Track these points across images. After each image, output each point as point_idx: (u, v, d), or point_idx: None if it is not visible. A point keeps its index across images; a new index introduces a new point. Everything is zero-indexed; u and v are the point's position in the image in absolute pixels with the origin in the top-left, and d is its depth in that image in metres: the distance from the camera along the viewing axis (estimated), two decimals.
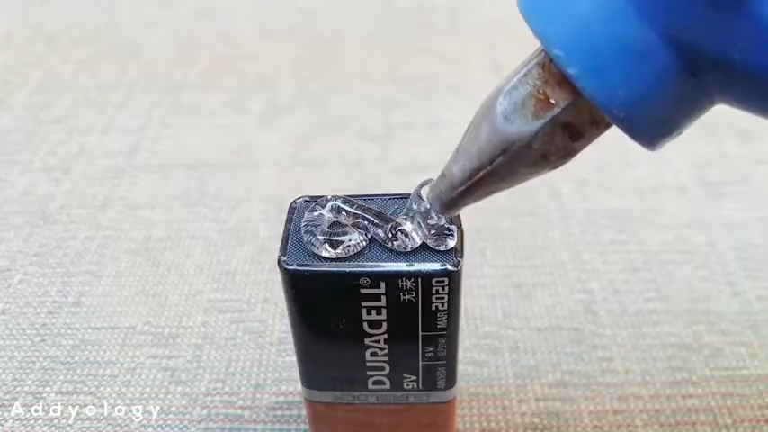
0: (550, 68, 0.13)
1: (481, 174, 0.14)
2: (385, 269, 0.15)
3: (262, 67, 0.41)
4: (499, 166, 0.14)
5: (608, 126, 0.13)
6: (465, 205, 0.15)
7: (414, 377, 0.17)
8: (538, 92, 0.13)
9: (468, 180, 0.14)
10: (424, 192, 0.16)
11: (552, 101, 0.13)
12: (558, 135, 0.13)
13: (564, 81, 0.13)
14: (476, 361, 0.24)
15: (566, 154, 0.14)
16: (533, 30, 0.13)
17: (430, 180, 0.16)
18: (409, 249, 0.15)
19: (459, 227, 0.16)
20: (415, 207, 0.16)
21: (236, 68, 0.41)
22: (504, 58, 0.41)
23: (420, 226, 0.15)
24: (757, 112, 0.12)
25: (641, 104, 0.12)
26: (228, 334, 0.25)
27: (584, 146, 0.14)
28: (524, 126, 0.13)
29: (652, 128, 0.12)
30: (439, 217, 0.15)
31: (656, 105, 0.12)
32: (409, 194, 0.16)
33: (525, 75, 0.14)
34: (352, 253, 0.15)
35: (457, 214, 0.16)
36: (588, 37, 0.12)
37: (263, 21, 0.47)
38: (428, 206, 0.15)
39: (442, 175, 0.15)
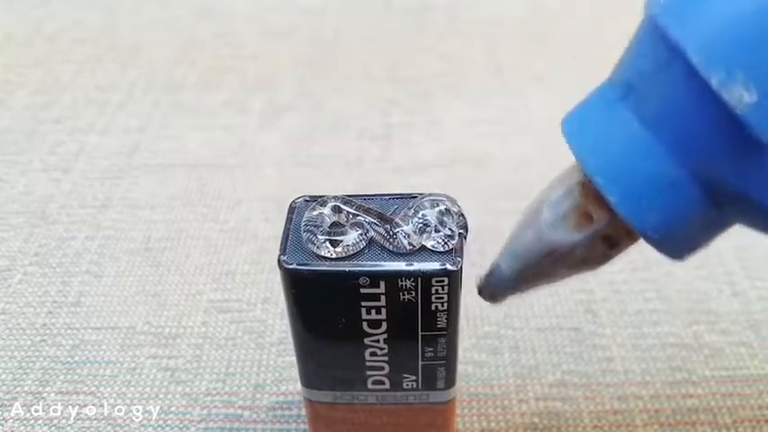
0: (590, 187, 0.14)
1: (527, 273, 0.16)
2: (384, 269, 0.15)
3: (262, 67, 0.41)
4: (543, 267, 0.16)
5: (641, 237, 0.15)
6: (512, 295, 0.17)
7: (413, 377, 0.17)
8: (579, 207, 0.15)
9: (515, 277, 0.16)
10: (476, 277, 0.17)
11: (593, 216, 0.15)
12: (598, 244, 0.15)
13: (603, 200, 0.14)
14: (476, 361, 0.24)
15: (604, 259, 0.16)
16: (576, 157, 0.14)
17: (436, 195, 0.16)
18: (408, 250, 0.15)
19: (461, 229, 0.16)
20: (422, 212, 0.16)
21: (236, 68, 0.41)
22: (504, 58, 0.41)
23: (419, 228, 0.16)
24: None
25: (670, 229, 0.14)
26: (228, 334, 0.25)
27: (621, 252, 0.15)
28: (567, 236, 0.15)
29: (680, 246, 0.14)
30: (445, 224, 0.16)
31: (684, 230, 0.14)
32: (409, 194, 0.17)
33: (567, 191, 0.15)
34: (351, 252, 0.15)
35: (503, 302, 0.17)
36: (624, 170, 0.13)
37: (263, 21, 0.47)
38: (441, 212, 0.16)
39: (491, 270, 0.16)
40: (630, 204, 0.13)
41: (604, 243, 0.15)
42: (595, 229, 0.15)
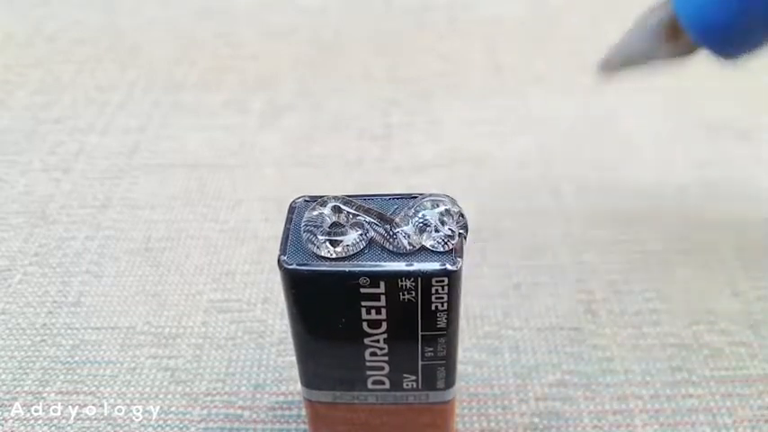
0: (676, 17, 0.23)
1: (633, 60, 0.25)
2: (384, 269, 0.15)
3: (262, 67, 0.41)
4: (645, 61, 0.25)
5: None
6: (618, 72, 0.25)
7: (413, 377, 0.17)
8: (668, 27, 0.23)
9: (623, 64, 0.25)
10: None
11: (677, 35, 0.23)
12: (683, 48, 0.24)
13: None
14: (476, 361, 0.24)
15: (690, 55, 0.24)
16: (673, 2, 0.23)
17: (437, 195, 0.16)
18: (409, 250, 0.15)
19: (461, 229, 0.16)
20: (422, 212, 0.16)
21: (236, 68, 0.41)
22: (504, 58, 0.41)
23: (419, 228, 0.16)
24: None
25: (737, 48, 0.23)
26: (228, 334, 0.25)
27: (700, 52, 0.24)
28: (661, 43, 0.24)
29: (741, 53, 0.23)
30: (445, 224, 0.16)
31: (746, 42, 0.22)
32: (409, 194, 0.17)
33: (660, 19, 0.24)
34: (351, 252, 0.15)
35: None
36: (704, 16, 0.22)
37: (263, 21, 0.47)
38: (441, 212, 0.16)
39: (606, 59, 0.25)
40: (706, 41, 0.22)
41: (688, 48, 0.23)
42: (679, 41, 0.23)
